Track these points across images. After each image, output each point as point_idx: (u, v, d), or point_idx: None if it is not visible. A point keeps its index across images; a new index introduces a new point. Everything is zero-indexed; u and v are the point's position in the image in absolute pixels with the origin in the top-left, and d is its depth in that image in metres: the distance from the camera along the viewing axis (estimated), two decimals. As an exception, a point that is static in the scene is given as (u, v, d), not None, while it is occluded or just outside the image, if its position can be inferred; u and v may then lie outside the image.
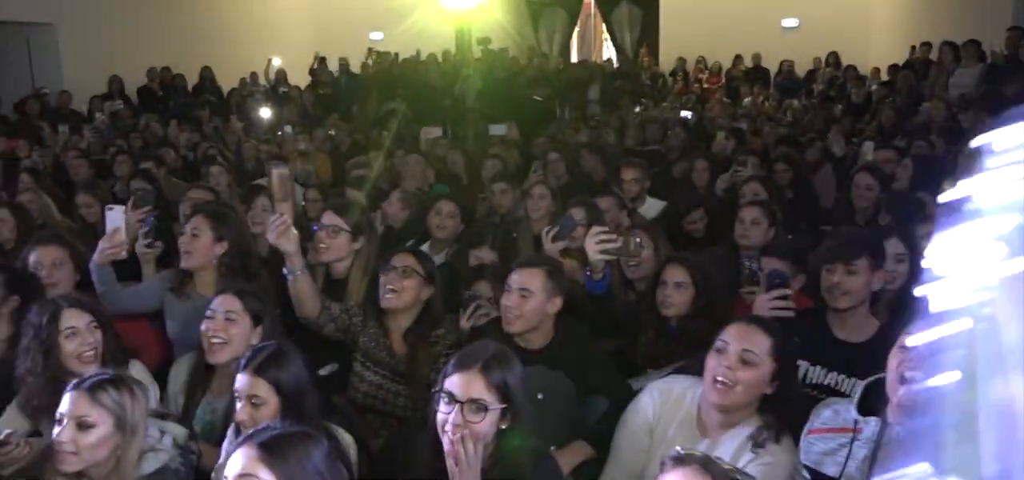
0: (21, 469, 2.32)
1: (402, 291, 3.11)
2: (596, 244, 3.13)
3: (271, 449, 1.80)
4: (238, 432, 2.35)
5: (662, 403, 2.58)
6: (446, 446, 2.08)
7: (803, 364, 2.93)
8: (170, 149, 7.60)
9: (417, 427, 2.36)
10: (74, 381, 2.29)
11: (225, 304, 2.87)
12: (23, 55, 11.41)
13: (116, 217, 3.45)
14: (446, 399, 2.11)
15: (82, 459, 2.22)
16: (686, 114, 10.10)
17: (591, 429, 2.90)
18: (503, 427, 2.13)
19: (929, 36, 11.37)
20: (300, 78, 13.60)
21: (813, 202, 6.13)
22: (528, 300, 2.95)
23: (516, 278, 2.98)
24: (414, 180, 6.15)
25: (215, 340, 2.83)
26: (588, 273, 3.18)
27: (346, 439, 2.47)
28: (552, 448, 2.63)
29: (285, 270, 2.98)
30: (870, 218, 4.88)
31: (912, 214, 4.23)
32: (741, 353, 2.36)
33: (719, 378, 2.37)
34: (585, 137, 8.57)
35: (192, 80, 12.66)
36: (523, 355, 2.89)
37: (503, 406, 2.11)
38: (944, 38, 10.40)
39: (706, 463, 1.73)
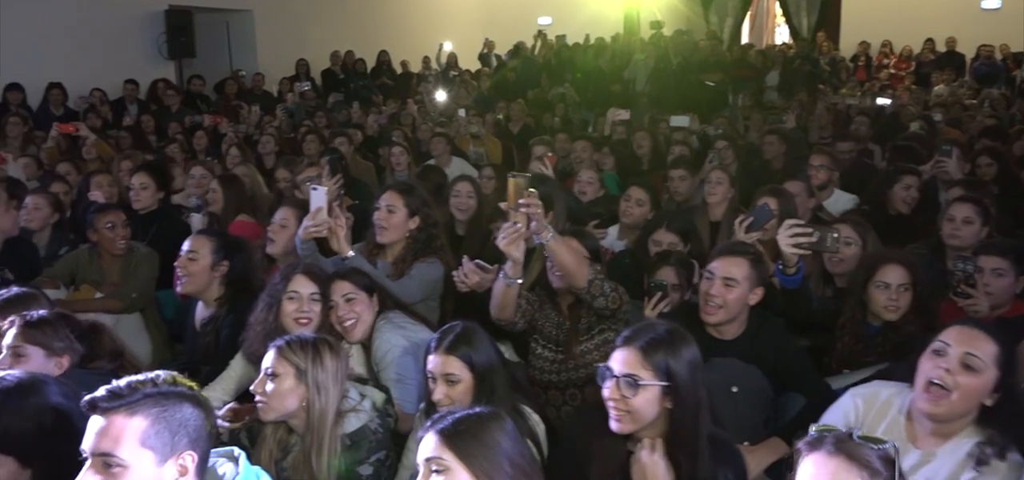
0: (247, 425, 2.53)
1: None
2: (790, 237, 3.00)
3: (456, 435, 1.85)
4: (429, 411, 2.45)
5: (866, 409, 2.41)
6: (611, 422, 2.15)
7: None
8: (357, 129, 7.98)
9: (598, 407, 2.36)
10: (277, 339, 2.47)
11: (340, 289, 3.03)
12: (223, 39, 12.33)
13: (320, 196, 3.54)
14: (607, 373, 2.17)
15: (272, 408, 2.40)
16: (884, 101, 9.47)
17: (786, 427, 2.78)
18: (668, 406, 2.14)
19: None
20: (470, 62, 13.92)
21: (1021, 199, 5.60)
22: (732, 289, 2.86)
23: (719, 266, 2.90)
24: (581, 165, 6.14)
25: (348, 322, 3.00)
26: (780, 267, 3.05)
27: (534, 419, 2.51)
28: (745, 443, 2.55)
29: (502, 273, 2.98)
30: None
31: None
32: (963, 356, 2.19)
33: (936, 381, 2.20)
34: (760, 125, 8.24)
35: (370, 63, 13.24)
36: (715, 345, 2.85)
37: (664, 384, 2.12)
38: None
39: (840, 442, 1.66)
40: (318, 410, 2.36)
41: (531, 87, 12.02)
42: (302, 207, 3.78)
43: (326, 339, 2.48)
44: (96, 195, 4.88)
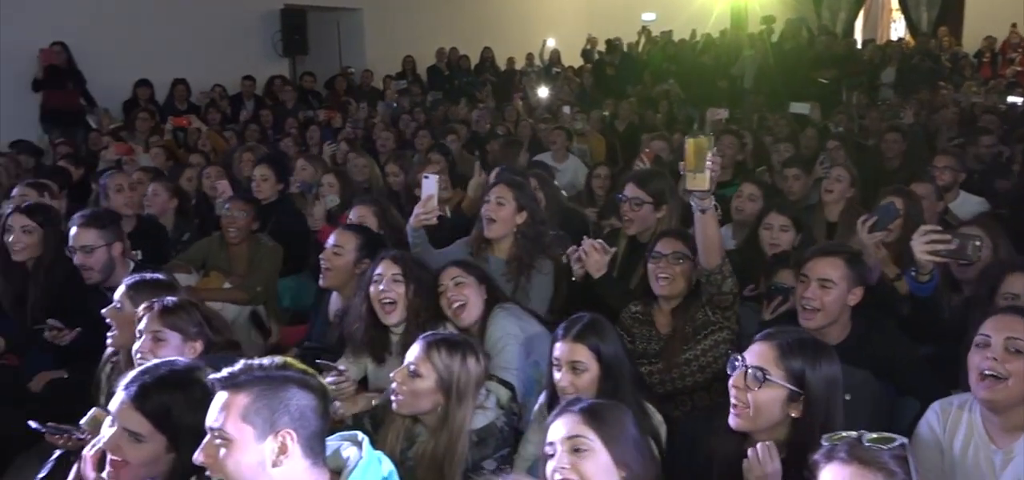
0: (370, 410, 2.59)
1: (674, 278, 3.06)
2: (925, 243, 2.85)
3: (594, 414, 1.89)
4: (550, 401, 2.46)
5: (943, 420, 2.41)
6: (731, 416, 2.12)
7: None
8: (463, 125, 8.10)
9: (719, 409, 2.32)
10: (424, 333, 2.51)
11: (450, 274, 3.05)
12: (334, 37, 12.71)
13: (431, 184, 3.63)
14: (738, 362, 2.13)
15: (408, 404, 2.43)
16: (1016, 99, 8.96)
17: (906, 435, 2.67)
18: (794, 415, 2.09)
19: None
20: (573, 59, 13.89)
21: None
22: (829, 291, 2.78)
23: (814, 267, 2.81)
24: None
25: (456, 304, 3.00)
26: (913, 273, 2.92)
27: (657, 418, 2.49)
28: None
29: (695, 206, 2.87)
30: None
31: None
32: (1006, 343, 2.21)
33: (987, 371, 2.21)
34: (877, 123, 7.90)
35: (474, 60, 13.39)
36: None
37: (792, 389, 2.08)
38: None
39: (852, 448, 1.65)
40: (456, 419, 2.40)
41: (631, 84, 11.89)
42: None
43: (471, 343, 2.50)
44: (223, 186, 5.11)
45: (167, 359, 2.23)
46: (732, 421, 2.13)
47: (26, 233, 3.86)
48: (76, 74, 9.30)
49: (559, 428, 1.91)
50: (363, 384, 3.16)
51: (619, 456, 1.85)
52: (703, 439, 2.32)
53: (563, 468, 1.87)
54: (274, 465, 1.76)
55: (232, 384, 1.78)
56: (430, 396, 2.41)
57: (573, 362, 2.42)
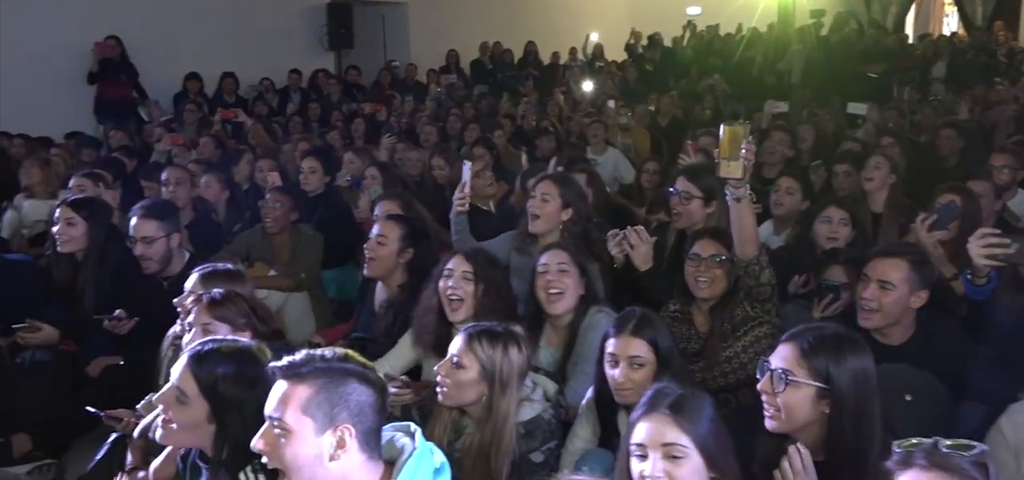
0: (418, 402, 2.61)
1: (714, 281, 3.03)
2: (982, 247, 2.78)
3: (683, 410, 1.88)
4: (598, 396, 2.46)
5: (1017, 425, 2.34)
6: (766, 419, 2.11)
7: None
8: (508, 119, 8.10)
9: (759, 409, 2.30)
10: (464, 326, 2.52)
11: (557, 257, 3.00)
12: (378, 31, 12.80)
13: (466, 171, 3.89)
14: (764, 366, 2.12)
15: (452, 396, 2.44)
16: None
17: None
18: (825, 411, 2.07)
19: None
20: (617, 53, 13.80)
21: None
22: (888, 293, 2.73)
23: (875, 267, 2.77)
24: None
25: (553, 291, 2.97)
26: (969, 276, 2.85)
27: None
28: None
29: (729, 195, 2.85)
30: None
31: None
32: None
33: None
34: (931, 119, 7.72)
35: (517, 54, 13.38)
36: (881, 351, 2.71)
37: (819, 386, 2.05)
38: None
39: (931, 455, 1.59)
40: (500, 409, 2.40)
41: (674, 78, 11.78)
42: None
43: (514, 332, 2.49)
44: (274, 178, 5.18)
45: (234, 338, 2.27)
46: (767, 424, 2.13)
47: (70, 225, 3.96)
48: (129, 67, 9.52)
49: (651, 431, 1.88)
50: (415, 374, 3.19)
51: (710, 456, 1.86)
52: (745, 438, 2.30)
53: (657, 476, 1.86)
54: (331, 459, 1.77)
55: (294, 374, 1.79)
56: (474, 387, 2.42)
57: (631, 357, 2.41)
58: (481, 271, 3.06)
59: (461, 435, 2.50)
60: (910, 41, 13.60)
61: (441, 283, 3.08)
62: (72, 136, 7.98)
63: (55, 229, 4.01)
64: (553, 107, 9.84)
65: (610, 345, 2.45)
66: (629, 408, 2.43)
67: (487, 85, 11.98)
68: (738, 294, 3.02)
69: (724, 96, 10.38)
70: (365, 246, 3.64)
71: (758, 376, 2.15)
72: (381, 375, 1.88)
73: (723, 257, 3.02)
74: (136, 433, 2.73)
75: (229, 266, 3.16)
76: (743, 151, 2.70)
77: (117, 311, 3.75)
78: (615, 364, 2.43)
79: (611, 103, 8.94)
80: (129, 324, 3.73)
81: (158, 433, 2.15)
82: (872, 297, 2.74)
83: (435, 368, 2.51)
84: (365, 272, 3.71)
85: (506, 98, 10.03)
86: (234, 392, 2.06)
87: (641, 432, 1.89)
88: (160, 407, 2.15)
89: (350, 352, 1.86)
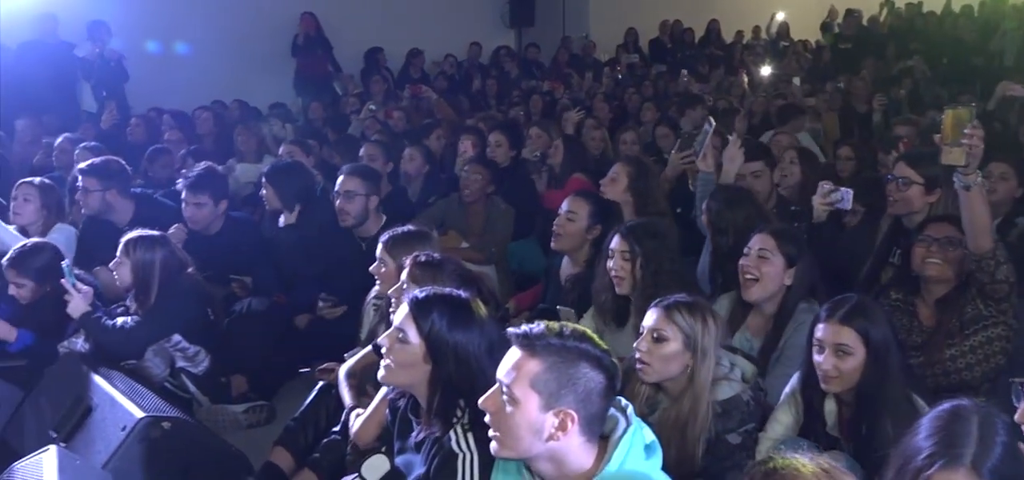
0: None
1: (945, 263, 2.84)
2: None
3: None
4: (804, 383, 2.37)
5: None
6: None
7: None
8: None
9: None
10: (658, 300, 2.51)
11: (760, 242, 2.89)
12: (558, 8, 12.83)
13: (708, 129, 3.97)
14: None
15: (656, 370, 2.43)
16: None
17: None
18: None
19: None
20: (807, 32, 13.12)
21: None
22: None
23: None
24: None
25: (748, 276, 2.89)
26: None
27: (926, 412, 2.31)
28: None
29: (958, 182, 2.69)
30: None
31: None
32: None
33: None
34: None
35: (699, 33, 13.03)
36: None
37: None
38: None
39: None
40: (700, 378, 2.37)
41: (868, 58, 11.03)
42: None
43: (704, 304, 2.47)
44: (465, 147, 5.36)
45: (451, 290, 2.36)
46: None
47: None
48: (324, 41, 10.10)
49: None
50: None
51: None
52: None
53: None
54: (549, 438, 1.77)
55: (528, 345, 1.80)
56: (679, 359, 2.40)
57: (838, 345, 2.30)
58: (638, 247, 3.05)
59: (655, 410, 2.48)
60: None
61: (608, 262, 3.14)
62: (276, 107, 8.59)
63: (262, 192, 4.37)
64: (737, 88, 9.52)
65: (818, 330, 2.35)
66: (836, 398, 2.34)
67: (666, 64, 11.75)
68: (970, 290, 2.82)
69: (925, 80, 9.64)
70: (555, 221, 3.70)
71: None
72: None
73: (956, 240, 2.83)
74: (343, 372, 2.95)
75: (411, 227, 3.30)
76: (966, 132, 2.54)
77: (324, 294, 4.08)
78: (821, 350, 2.33)
79: (796, 80, 8.55)
80: (341, 309, 4.00)
81: (380, 372, 2.29)
82: None
83: (635, 344, 2.50)
84: (552, 245, 3.76)
85: (685, 74, 9.78)
86: (448, 336, 2.17)
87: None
88: (372, 348, 2.25)
89: (587, 331, 1.84)
